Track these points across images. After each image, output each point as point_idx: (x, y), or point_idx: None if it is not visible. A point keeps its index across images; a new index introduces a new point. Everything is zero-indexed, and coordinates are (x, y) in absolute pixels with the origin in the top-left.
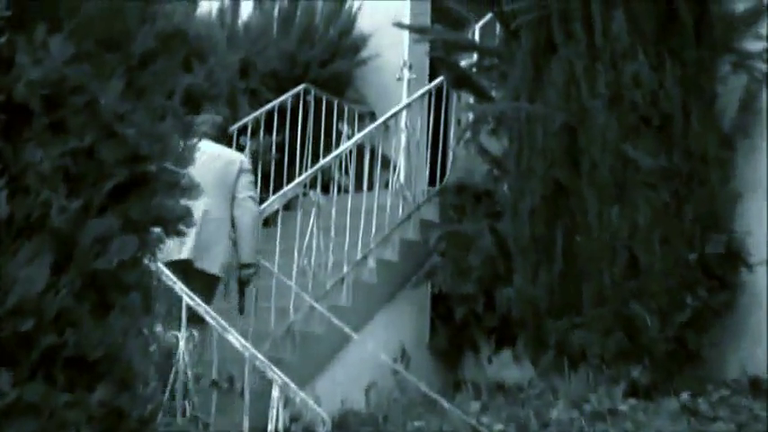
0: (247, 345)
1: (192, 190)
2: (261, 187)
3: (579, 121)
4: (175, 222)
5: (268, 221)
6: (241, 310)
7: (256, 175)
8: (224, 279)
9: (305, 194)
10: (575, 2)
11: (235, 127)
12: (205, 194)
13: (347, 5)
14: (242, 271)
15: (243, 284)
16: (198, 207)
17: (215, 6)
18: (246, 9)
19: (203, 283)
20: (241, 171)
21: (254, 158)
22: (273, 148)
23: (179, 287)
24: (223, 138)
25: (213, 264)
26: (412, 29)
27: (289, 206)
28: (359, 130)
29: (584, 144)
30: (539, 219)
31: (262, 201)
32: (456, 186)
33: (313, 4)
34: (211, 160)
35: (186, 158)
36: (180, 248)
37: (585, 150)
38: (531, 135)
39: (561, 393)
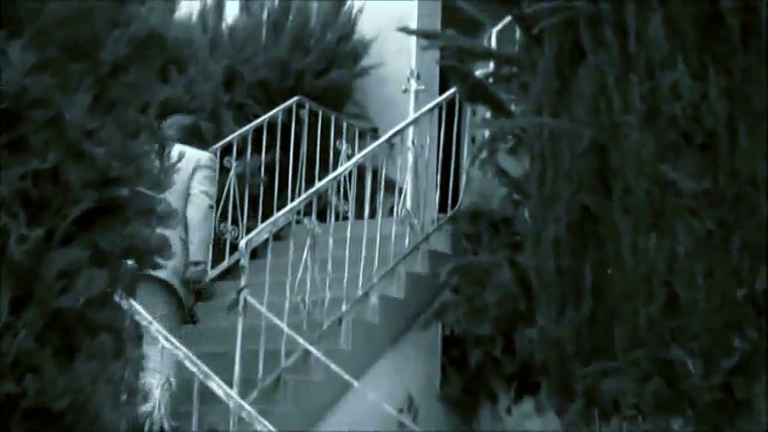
0: (232, 393)
1: (169, 218)
2: (248, 213)
3: (610, 138)
4: (151, 254)
5: (256, 252)
6: (192, 318)
7: (242, 200)
8: (181, 289)
9: (298, 222)
10: (605, 3)
11: (218, 145)
12: None
13: (346, 7)
14: (189, 269)
15: (194, 288)
16: None
17: (196, 8)
18: (232, 11)
19: (151, 291)
20: (197, 167)
21: (241, 181)
22: (262, 169)
23: (155, 328)
24: (195, 141)
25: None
26: (420, 34)
27: (280, 235)
28: (359, 149)
29: (617, 165)
30: (564, 249)
31: (249, 229)
32: (470, 213)
33: (308, 5)
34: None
35: (163, 182)
36: None
37: (618, 172)
38: (556, 154)
39: None
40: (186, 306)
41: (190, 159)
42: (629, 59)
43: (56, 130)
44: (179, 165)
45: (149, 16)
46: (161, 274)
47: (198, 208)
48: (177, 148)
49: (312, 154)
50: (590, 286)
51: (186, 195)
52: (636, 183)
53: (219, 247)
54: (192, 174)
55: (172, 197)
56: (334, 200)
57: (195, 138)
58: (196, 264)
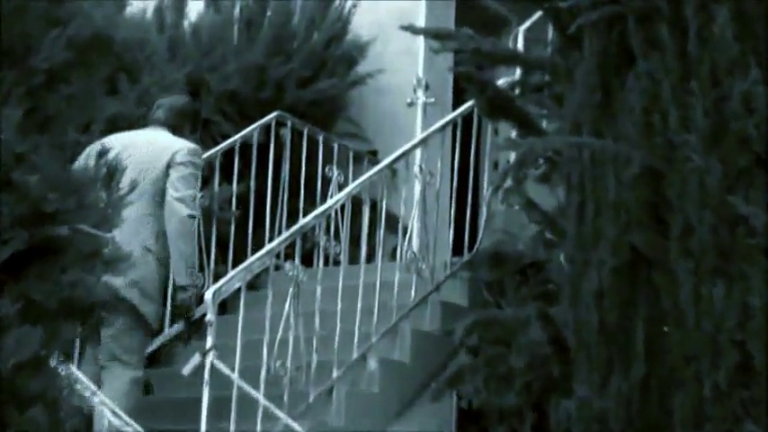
0: None
1: (118, 262)
2: (216, 256)
3: (666, 162)
4: (95, 309)
5: (226, 305)
6: (184, 338)
7: (209, 240)
8: (147, 305)
9: (278, 268)
10: None
11: None
12: None
13: (338, 1)
14: (176, 295)
15: (184, 315)
16: None
17: (151, 3)
18: (195, 6)
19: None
20: (172, 163)
21: (207, 217)
22: (234, 201)
23: (99, 399)
24: (186, 127)
25: (113, 278)
26: (429, 33)
27: (256, 284)
28: (354, 177)
29: (674, 195)
30: (609, 301)
31: (217, 276)
32: (492, 256)
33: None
34: (134, 148)
35: (111, 218)
36: None
37: (675, 204)
38: (599, 183)
39: None
40: (154, 324)
41: (163, 148)
42: (690, 64)
43: None
44: (141, 152)
45: (93, 13)
46: (116, 281)
47: (174, 219)
48: (145, 133)
49: (295, 182)
50: (642, 347)
51: (159, 197)
52: (698, 218)
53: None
54: (167, 171)
55: (141, 200)
56: (322, 240)
57: (187, 123)
58: (183, 289)
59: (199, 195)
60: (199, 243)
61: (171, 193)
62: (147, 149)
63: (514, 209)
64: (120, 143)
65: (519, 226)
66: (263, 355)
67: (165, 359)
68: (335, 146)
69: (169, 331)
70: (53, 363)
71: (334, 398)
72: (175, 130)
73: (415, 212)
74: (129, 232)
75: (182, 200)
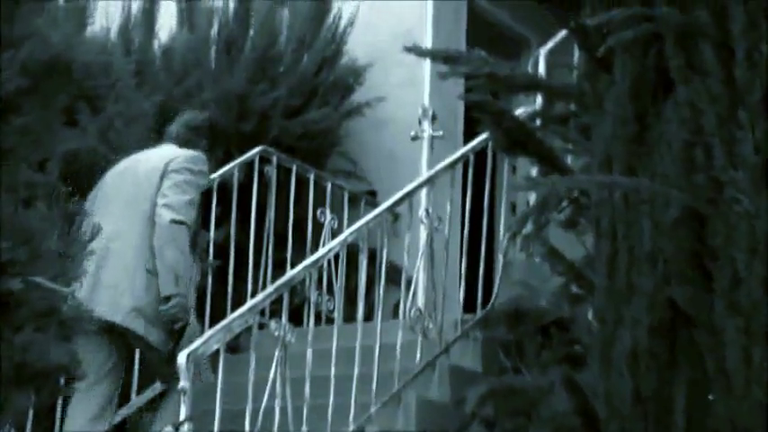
0: None
1: (81, 322)
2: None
3: (710, 204)
4: (51, 375)
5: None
6: (163, 378)
7: None
8: (152, 330)
9: (263, 327)
10: (703, 10)
11: None
12: (115, 214)
13: (331, 17)
14: (161, 307)
15: (171, 329)
16: (103, 234)
17: (115, 23)
18: (167, 24)
19: (115, 343)
20: (166, 173)
21: None
22: (211, 250)
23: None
24: (202, 143)
25: (115, 308)
26: (436, 56)
27: (237, 345)
28: (350, 222)
29: (720, 242)
30: (645, 365)
31: None
32: (509, 313)
33: (275, 16)
34: (128, 169)
35: (71, 269)
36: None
37: (721, 253)
38: (633, 228)
39: None
40: (164, 349)
41: (155, 166)
42: (737, 91)
43: None
44: (136, 172)
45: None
46: (116, 317)
47: (158, 228)
48: (144, 153)
49: (282, 228)
50: (683, 418)
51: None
52: (748, 269)
53: (146, 363)
54: (160, 183)
55: (135, 214)
56: (313, 294)
57: (201, 139)
58: (166, 299)
59: (192, 200)
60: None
61: (159, 201)
62: (142, 170)
63: (535, 259)
64: (127, 161)
65: (540, 278)
66: (245, 427)
67: (133, 430)
68: (328, 186)
69: (137, 400)
70: None
71: None
72: (186, 145)
73: (421, 263)
74: (125, 258)
75: (168, 206)
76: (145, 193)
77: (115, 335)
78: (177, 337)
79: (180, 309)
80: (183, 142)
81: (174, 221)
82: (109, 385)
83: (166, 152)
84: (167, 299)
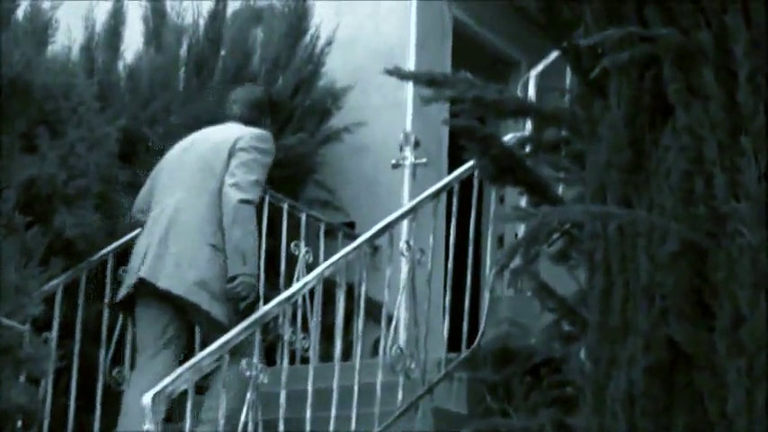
0: None
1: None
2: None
3: (711, 238)
4: (10, 417)
5: (170, 414)
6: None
7: None
8: (213, 304)
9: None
10: (704, 31)
11: (112, 248)
12: (180, 190)
13: (308, 36)
14: (228, 285)
15: (237, 307)
16: (168, 209)
17: (78, 41)
18: (132, 42)
19: (175, 315)
20: (233, 151)
21: None
22: None
23: None
24: (261, 118)
25: (179, 281)
26: (419, 79)
27: (207, 386)
28: (326, 255)
29: (722, 278)
30: (642, 409)
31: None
32: (496, 352)
33: (248, 35)
34: (193, 145)
35: (29, 305)
36: (139, 269)
37: (723, 289)
38: (629, 262)
39: None
40: (225, 326)
41: (223, 140)
42: (740, 117)
43: None
44: (201, 148)
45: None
46: (179, 289)
47: (226, 208)
48: (208, 130)
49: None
50: None
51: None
52: (751, 306)
53: (110, 402)
54: (228, 160)
55: (200, 186)
56: (287, 332)
57: (263, 115)
58: (233, 278)
59: (259, 180)
60: (133, 334)
61: (227, 180)
62: (210, 144)
63: (524, 294)
64: (184, 143)
65: (530, 315)
66: None
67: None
68: (303, 216)
69: None
70: None
71: None
72: (250, 123)
73: (402, 298)
74: (190, 230)
75: (236, 185)
76: (212, 169)
77: (176, 307)
78: (244, 315)
79: (246, 288)
80: (246, 121)
81: (241, 201)
82: (168, 358)
83: (233, 130)
84: (234, 278)
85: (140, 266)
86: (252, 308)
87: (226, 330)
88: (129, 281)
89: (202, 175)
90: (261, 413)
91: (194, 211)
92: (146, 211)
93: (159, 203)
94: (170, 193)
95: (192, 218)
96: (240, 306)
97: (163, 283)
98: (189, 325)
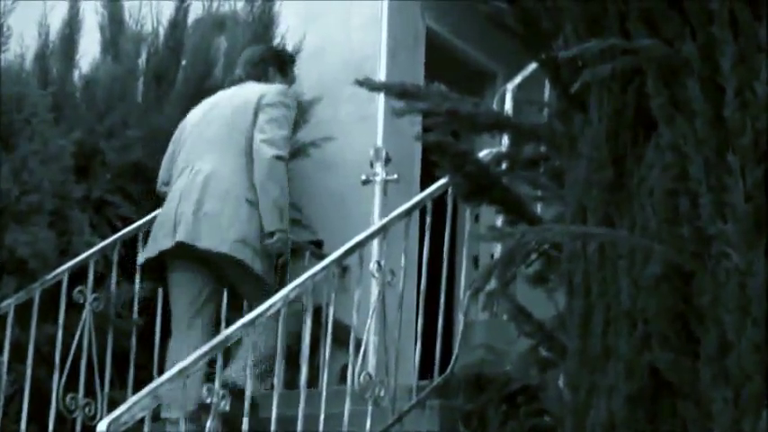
0: None
1: None
2: (112, 376)
3: (696, 260)
4: None
5: None
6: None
7: (102, 355)
8: (254, 259)
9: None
10: (689, 43)
11: (65, 268)
12: (209, 151)
13: (274, 44)
14: (264, 242)
15: (276, 261)
16: (200, 171)
17: (31, 50)
18: (89, 52)
19: (209, 280)
20: (260, 107)
21: (102, 325)
22: (135, 306)
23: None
24: (269, 72)
25: (220, 240)
26: (391, 91)
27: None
28: (292, 275)
29: (707, 302)
30: None
31: (114, 403)
32: (470, 379)
33: (211, 44)
34: (215, 107)
35: None
36: (174, 233)
37: (709, 313)
38: (610, 285)
39: None
40: (269, 280)
41: (247, 100)
42: (727, 133)
43: None
44: (226, 109)
45: None
46: (222, 247)
47: (259, 164)
48: (232, 89)
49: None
50: None
51: (250, 148)
52: (737, 333)
53: (63, 429)
54: (255, 118)
55: (231, 147)
56: (251, 357)
57: (271, 68)
58: (270, 234)
59: (288, 135)
60: (89, 359)
61: (258, 136)
62: (234, 105)
63: (500, 318)
64: (204, 106)
65: (505, 340)
66: None
67: None
68: None
69: None
70: None
71: None
72: (260, 79)
73: (371, 322)
74: (225, 191)
75: (268, 141)
76: (239, 127)
77: (210, 271)
78: (280, 272)
79: (283, 243)
80: (254, 78)
81: (275, 157)
82: (200, 328)
83: (254, 87)
84: (271, 234)
85: (174, 231)
86: (285, 265)
87: (266, 286)
88: (155, 246)
89: (230, 135)
90: None
91: (228, 170)
92: (169, 183)
93: (188, 168)
94: (200, 157)
95: (227, 177)
96: (279, 261)
97: (204, 242)
98: (220, 292)
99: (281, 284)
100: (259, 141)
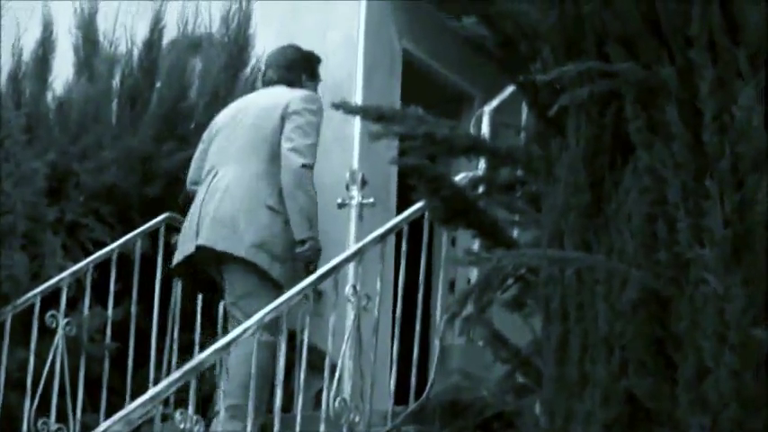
0: None
1: None
2: (84, 401)
3: (675, 285)
4: None
5: None
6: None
7: (74, 379)
8: (272, 264)
9: (167, 419)
10: (667, 66)
11: (37, 291)
12: (233, 157)
13: (249, 67)
14: (297, 249)
15: (307, 270)
16: (224, 176)
17: (4, 71)
18: (62, 73)
19: (237, 277)
20: (286, 114)
21: (74, 349)
22: (108, 330)
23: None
24: (298, 76)
25: (237, 243)
26: (367, 114)
27: None
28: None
29: (685, 328)
30: None
31: (87, 428)
32: (446, 405)
33: (187, 64)
34: (242, 111)
35: None
36: (196, 237)
37: (686, 339)
38: (587, 310)
39: None
40: (285, 284)
41: (273, 105)
42: (705, 158)
43: None
44: (249, 115)
45: None
46: (239, 251)
47: (287, 173)
48: (257, 93)
49: (190, 305)
50: None
51: (275, 154)
52: (715, 359)
53: None
54: (281, 124)
55: (254, 154)
56: (225, 382)
57: (302, 73)
58: (302, 242)
59: (315, 143)
60: (60, 383)
61: (285, 144)
62: (259, 107)
63: (476, 344)
64: (233, 108)
65: (481, 366)
66: None
67: None
68: None
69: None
70: None
71: None
72: (292, 84)
73: (347, 347)
74: (245, 196)
75: (296, 150)
76: (263, 132)
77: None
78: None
79: (314, 252)
80: (286, 82)
81: (303, 166)
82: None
83: (280, 93)
84: (302, 242)
85: (197, 236)
86: (315, 271)
87: (282, 291)
88: (183, 248)
89: (255, 141)
90: None
91: (249, 175)
92: (198, 183)
93: (213, 171)
94: (225, 162)
95: (248, 183)
96: (310, 268)
97: (221, 245)
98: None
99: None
100: (286, 150)
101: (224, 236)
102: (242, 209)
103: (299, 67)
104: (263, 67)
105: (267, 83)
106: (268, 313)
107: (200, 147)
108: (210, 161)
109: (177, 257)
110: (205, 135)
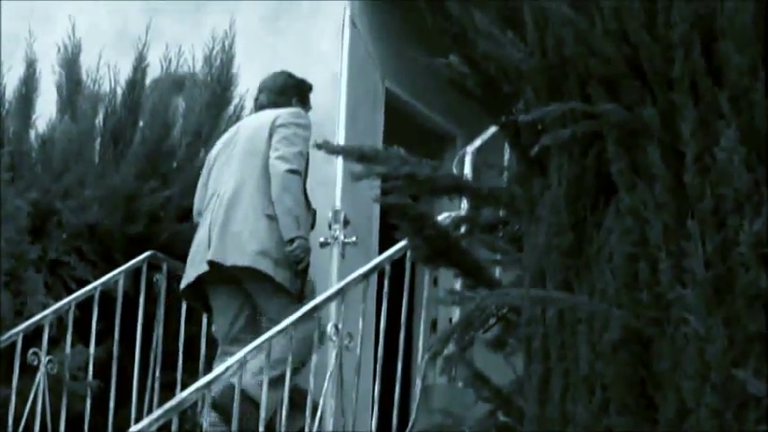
0: None
1: None
2: None
3: (656, 325)
4: None
5: None
6: (296, 295)
7: (56, 418)
8: (277, 269)
9: None
10: (650, 107)
11: (19, 329)
12: (231, 176)
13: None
14: (286, 249)
15: (297, 270)
16: (224, 194)
17: None
18: (45, 112)
19: (246, 301)
20: (273, 129)
21: (56, 388)
22: (91, 369)
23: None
24: (289, 99)
25: (243, 253)
26: (349, 154)
27: None
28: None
29: (666, 368)
30: None
31: None
32: None
33: (169, 102)
34: (236, 134)
35: None
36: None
37: (667, 380)
38: (568, 350)
39: None
40: (293, 289)
41: (262, 124)
42: (687, 199)
43: None
44: (245, 134)
45: None
46: (243, 260)
47: (274, 179)
48: (252, 116)
49: (172, 344)
50: None
51: (268, 170)
52: (696, 399)
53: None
54: (269, 139)
55: (250, 167)
56: (206, 420)
57: (293, 98)
58: (290, 241)
59: (301, 151)
60: (42, 422)
61: (272, 154)
62: (251, 130)
63: (457, 383)
64: (226, 137)
65: (463, 405)
66: None
67: None
68: None
69: None
70: None
71: None
72: (280, 107)
73: (328, 386)
74: (246, 209)
75: (281, 157)
76: (256, 149)
77: (246, 291)
78: (301, 278)
79: (303, 250)
80: (276, 106)
81: (288, 171)
82: (249, 336)
83: (269, 113)
84: (291, 241)
85: (206, 252)
86: (306, 270)
87: (290, 296)
88: (192, 271)
89: (249, 158)
90: None
91: (247, 190)
92: (202, 212)
93: (215, 194)
94: (224, 182)
95: (246, 197)
96: (299, 267)
97: (229, 259)
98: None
99: (302, 292)
100: (273, 159)
101: (231, 249)
102: (245, 222)
103: (290, 93)
104: (255, 93)
105: (259, 107)
106: (250, 351)
107: (201, 180)
108: (212, 188)
109: (187, 279)
110: (204, 168)
